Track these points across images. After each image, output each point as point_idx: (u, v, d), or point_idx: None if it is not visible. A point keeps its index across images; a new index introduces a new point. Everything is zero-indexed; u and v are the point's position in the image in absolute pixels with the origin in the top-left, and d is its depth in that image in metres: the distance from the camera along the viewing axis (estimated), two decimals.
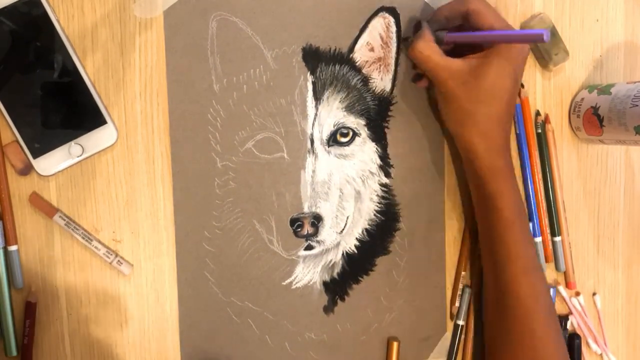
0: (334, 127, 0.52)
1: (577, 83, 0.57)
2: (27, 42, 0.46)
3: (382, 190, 0.54)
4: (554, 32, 0.55)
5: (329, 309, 0.54)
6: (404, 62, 0.53)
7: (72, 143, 0.47)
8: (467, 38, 0.49)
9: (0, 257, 0.47)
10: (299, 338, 0.53)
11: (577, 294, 0.58)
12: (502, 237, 0.48)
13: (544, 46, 0.54)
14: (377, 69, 0.53)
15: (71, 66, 0.47)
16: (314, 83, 0.51)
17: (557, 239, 0.57)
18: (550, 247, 0.57)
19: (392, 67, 0.53)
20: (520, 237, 0.49)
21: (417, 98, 0.54)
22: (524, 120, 0.55)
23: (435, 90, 0.51)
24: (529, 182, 0.56)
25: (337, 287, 0.54)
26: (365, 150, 0.53)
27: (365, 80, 0.53)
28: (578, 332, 0.59)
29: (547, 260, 0.57)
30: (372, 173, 0.53)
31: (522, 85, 0.56)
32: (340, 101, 0.52)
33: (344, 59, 0.52)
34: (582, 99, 0.55)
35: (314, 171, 0.52)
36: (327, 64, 0.52)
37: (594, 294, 0.59)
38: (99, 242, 0.49)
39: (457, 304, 0.55)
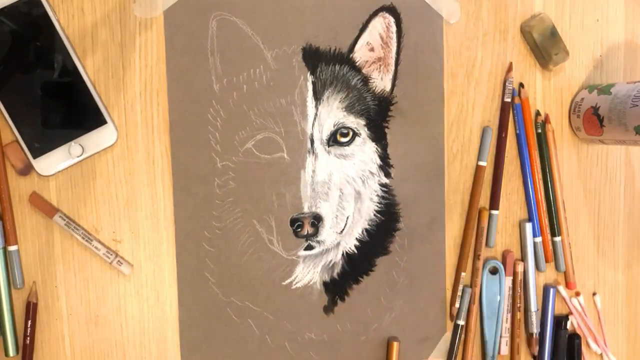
0: (334, 127, 0.52)
1: (577, 83, 0.57)
2: (27, 42, 0.46)
3: (382, 190, 0.54)
4: (554, 32, 0.55)
5: (329, 309, 0.54)
6: (404, 62, 0.53)
7: (72, 143, 0.47)
8: None
9: (0, 257, 0.47)
10: (299, 338, 0.53)
11: (577, 294, 0.58)
12: None
13: (543, 46, 0.55)
14: (377, 69, 0.53)
15: (71, 66, 0.47)
16: (314, 83, 0.51)
17: (557, 239, 0.57)
18: (550, 247, 0.57)
19: (392, 67, 0.53)
20: None
21: (417, 98, 0.54)
22: (524, 121, 0.56)
23: None
24: (529, 182, 0.56)
25: (337, 287, 0.54)
26: (365, 150, 0.53)
27: (365, 80, 0.53)
28: (578, 332, 0.59)
29: (547, 260, 0.57)
30: (372, 173, 0.53)
31: (522, 85, 0.56)
32: (340, 101, 0.52)
33: (344, 59, 0.52)
34: (582, 99, 0.56)
35: (314, 171, 0.52)
36: (327, 64, 0.52)
37: (594, 294, 0.59)
38: (99, 242, 0.49)
39: (457, 304, 0.55)
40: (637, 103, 0.49)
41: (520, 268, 0.56)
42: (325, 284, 0.53)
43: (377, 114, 0.53)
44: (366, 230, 0.54)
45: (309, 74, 0.51)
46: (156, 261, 0.50)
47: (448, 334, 0.56)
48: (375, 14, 0.52)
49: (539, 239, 0.57)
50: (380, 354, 0.55)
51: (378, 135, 0.53)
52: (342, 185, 0.53)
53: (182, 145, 0.50)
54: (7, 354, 0.48)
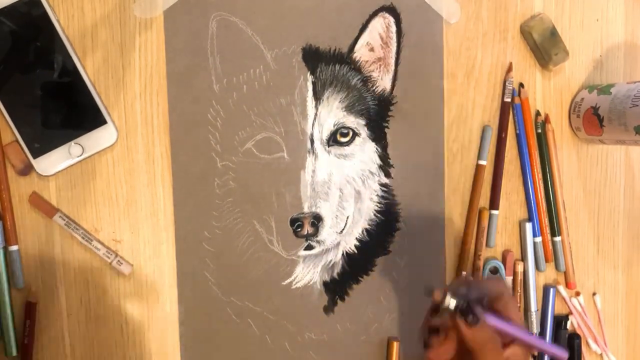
0: (334, 127, 0.52)
1: (577, 83, 0.57)
2: (27, 42, 0.46)
3: (382, 190, 0.54)
4: (553, 32, 0.55)
5: (329, 309, 0.54)
6: (404, 62, 0.53)
7: (72, 143, 0.47)
8: (508, 329, 0.40)
9: (1, 257, 0.47)
10: (299, 338, 0.53)
11: (577, 294, 0.58)
12: None
13: (543, 46, 0.55)
14: (377, 69, 0.53)
15: (71, 66, 0.47)
16: (314, 83, 0.51)
17: (557, 239, 0.57)
18: (550, 247, 0.57)
19: (392, 67, 0.53)
20: None
21: (417, 98, 0.54)
22: (524, 121, 0.55)
23: None
24: (529, 182, 0.56)
25: (337, 287, 0.54)
26: (365, 150, 0.53)
27: (365, 80, 0.53)
28: (578, 332, 0.59)
29: (547, 260, 0.57)
30: (372, 173, 0.53)
31: (522, 85, 0.56)
32: (340, 101, 0.52)
33: (344, 59, 0.52)
34: (582, 99, 0.55)
35: (314, 171, 0.52)
36: (327, 64, 0.52)
37: (594, 294, 0.59)
38: (99, 242, 0.49)
39: None
40: (637, 103, 0.49)
41: (520, 268, 0.56)
42: (325, 283, 0.53)
43: (377, 114, 0.53)
44: (366, 230, 0.54)
45: (309, 74, 0.51)
46: (156, 261, 0.50)
47: None
48: (375, 14, 0.52)
49: (539, 239, 0.57)
50: (380, 354, 0.55)
51: (378, 135, 0.53)
52: (342, 185, 0.53)
53: (182, 145, 0.50)
54: (7, 354, 0.47)
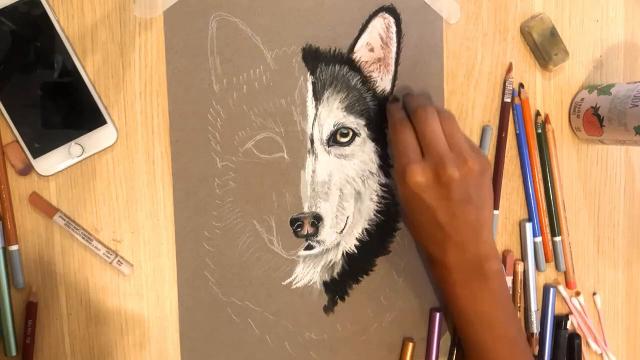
0: (333, 127, 0.52)
1: (577, 83, 0.57)
2: (27, 42, 0.46)
3: (382, 190, 0.54)
4: (553, 32, 0.55)
5: (329, 309, 0.54)
6: (404, 62, 0.53)
7: (72, 143, 0.47)
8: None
9: (1, 257, 0.47)
10: (299, 338, 0.53)
11: (577, 293, 0.58)
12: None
13: (543, 46, 0.55)
14: (377, 69, 0.53)
15: (71, 66, 0.47)
16: (314, 83, 0.51)
17: (557, 239, 0.57)
18: (550, 247, 0.57)
19: (392, 67, 0.53)
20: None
21: None
22: (524, 121, 0.56)
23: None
24: (529, 182, 0.56)
25: (337, 287, 0.54)
26: (365, 150, 0.53)
27: (365, 80, 0.53)
28: (578, 332, 0.59)
29: (547, 260, 0.57)
30: (372, 173, 0.53)
31: (522, 85, 0.56)
32: (340, 101, 0.52)
33: (344, 59, 0.52)
34: (582, 99, 0.56)
35: (314, 171, 0.52)
36: (327, 64, 0.52)
37: (594, 293, 0.59)
38: (99, 242, 0.49)
39: None
40: (637, 103, 0.49)
41: (520, 268, 0.56)
42: (325, 283, 0.53)
43: (377, 114, 0.53)
44: (366, 230, 0.54)
45: (309, 74, 0.51)
46: (156, 261, 0.50)
47: (448, 334, 0.56)
48: (375, 14, 0.52)
49: (539, 239, 0.57)
50: (380, 354, 0.55)
51: (378, 135, 0.53)
52: (342, 185, 0.53)
53: (182, 145, 0.50)
54: (7, 354, 0.47)
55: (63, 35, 0.46)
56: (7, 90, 0.46)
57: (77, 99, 0.47)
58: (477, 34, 0.55)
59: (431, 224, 0.47)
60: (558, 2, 0.56)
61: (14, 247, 0.47)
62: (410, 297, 0.55)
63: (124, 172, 0.49)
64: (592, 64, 0.58)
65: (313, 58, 0.51)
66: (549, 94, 0.57)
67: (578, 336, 0.58)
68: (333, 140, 0.52)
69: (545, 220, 0.57)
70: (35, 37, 0.46)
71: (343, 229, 0.53)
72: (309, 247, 0.52)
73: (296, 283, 0.53)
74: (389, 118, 0.51)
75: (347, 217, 0.53)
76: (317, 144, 0.52)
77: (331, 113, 0.52)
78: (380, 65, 0.53)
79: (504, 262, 0.56)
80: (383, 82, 0.53)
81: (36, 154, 0.47)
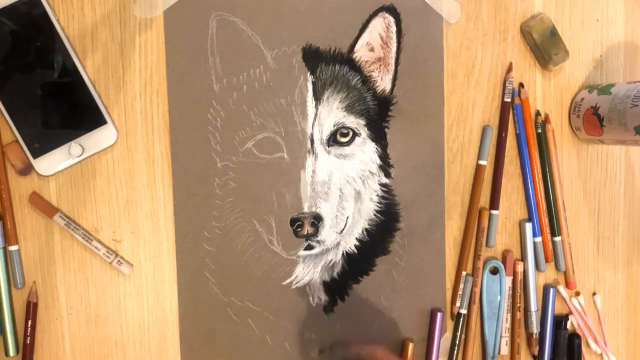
0: (334, 127, 0.52)
1: (577, 83, 0.57)
2: (27, 42, 0.46)
3: (382, 190, 0.54)
4: (553, 32, 0.55)
5: (329, 309, 0.54)
6: (404, 62, 0.53)
7: (72, 143, 0.47)
8: None
9: (1, 257, 0.47)
10: (299, 338, 0.53)
11: (577, 294, 0.58)
12: None
13: (543, 46, 0.55)
14: (377, 69, 0.53)
15: (71, 66, 0.47)
16: (314, 83, 0.51)
17: (557, 239, 0.57)
18: (550, 247, 0.57)
19: (392, 67, 0.53)
20: None
21: (417, 98, 0.54)
22: (524, 121, 0.56)
23: None
24: (529, 182, 0.56)
25: (337, 287, 0.54)
26: (365, 150, 0.53)
27: (365, 80, 0.53)
28: (578, 332, 0.59)
29: (547, 260, 0.57)
30: (372, 173, 0.53)
31: (522, 85, 0.56)
32: (340, 101, 0.52)
33: (344, 59, 0.52)
34: (582, 99, 0.56)
35: (314, 171, 0.52)
36: (327, 64, 0.52)
37: (594, 294, 0.59)
38: (99, 242, 0.49)
39: (457, 304, 0.55)
40: (637, 103, 0.49)
41: (520, 268, 0.56)
42: (325, 283, 0.53)
43: (377, 114, 0.53)
44: (366, 230, 0.54)
45: (309, 74, 0.51)
46: (156, 261, 0.50)
47: (448, 334, 0.56)
48: (375, 14, 0.52)
49: (539, 239, 0.57)
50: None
51: (378, 135, 0.53)
52: (342, 185, 0.53)
53: (182, 145, 0.50)
54: (7, 354, 0.48)
55: (63, 35, 0.46)
56: (7, 90, 0.46)
57: (77, 99, 0.47)
58: (477, 33, 0.55)
59: None
60: (558, 2, 0.56)
61: (14, 247, 0.47)
62: (410, 297, 0.55)
63: (124, 172, 0.49)
64: (592, 64, 0.58)
65: (313, 58, 0.51)
66: (549, 94, 0.57)
67: (578, 336, 0.58)
68: (333, 140, 0.52)
69: (545, 220, 0.57)
70: (36, 37, 0.46)
71: (343, 229, 0.53)
72: (309, 247, 0.52)
73: (296, 283, 0.53)
74: None
75: (347, 217, 0.53)
76: (317, 143, 0.52)
77: (331, 113, 0.52)
78: (380, 65, 0.53)
79: (504, 262, 0.56)
80: (383, 82, 0.53)
81: (36, 154, 0.47)
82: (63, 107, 0.47)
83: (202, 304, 0.51)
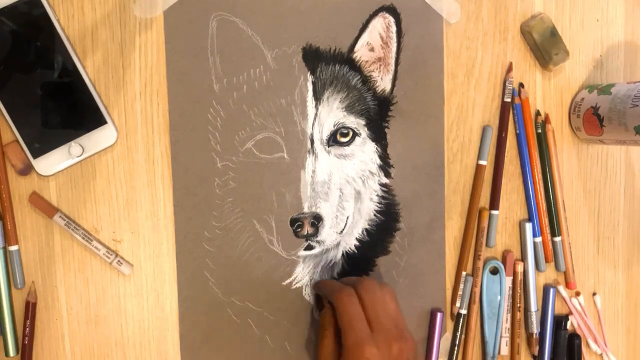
0: (334, 127, 0.52)
1: (577, 83, 0.57)
2: (27, 42, 0.46)
3: (382, 190, 0.54)
4: (554, 32, 0.55)
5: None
6: (404, 62, 0.53)
7: (72, 143, 0.47)
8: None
9: (1, 257, 0.47)
10: (299, 338, 0.53)
11: (577, 294, 0.58)
12: None
13: (544, 46, 0.55)
14: (377, 69, 0.53)
15: (71, 66, 0.47)
16: (314, 83, 0.51)
17: (557, 239, 0.57)
18: (550, 247, 0.57)
19: (392, 67, 0.53)
20: None
21: (417, 98, 0.54)
22: (524, 120, 0.55)
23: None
24: (529, 182, 0.56)
25: None
26: (365, 150, 0.53)
27: (365, 80, 0.53)
28: (578, 332, 0.59)
29: (547, 261, 0.57)
30: (372, 173, 0.53)
31: (522, 85, 0.56)
32: (340, 101, 0.52)
33: (344, 59, 0.52)
34: (582, 99, 0.56)
35: (314, 171, 0.52)
36: (327, 64, 0.52)
37: (594, 294, 0.59)
38: (99, 242, 0.49)
39: (457, 304, 0.55)
40: (637, 103, 0.49)
41: (520, 268, 0.56)
42: None
43: (377, 114, 0.53)
44: (366, 230, 0.54)
45: (309, 74, 0.51)
46: (156, 261, 0.50)
47: (448, 334, 0.56)
48: (375, 14, 0.52)
49: (539, 239, 0.57)
50: None
51: (378, 135, 0.53)
52: (342, 185, 0.53)
53: (182, 145, 0.50)
54: (7, 354, 0.47)
55: (63, 35, 0.46)
56: (7, 90, 0.46)
57: (77, 98, 0.47)
58: (477, 33, 0.55)
59: None
60: (558, 2, 0.56)
61: (14, 247, 0.47)
62: (410, 297, 0.55)
63: (124, 172, 0.49)
64: (592, 64, 0.58)
65: (313, 58, 0.51)
66: (549, 94, 0.57)
67: (578, 336, 0.58)
68: (333, 140, 0.52)
69: (545, 220, 0.57)
70: (36, 37, 0.46)
71: (343, 229, 0.53)
72: (309, 247, 0.52)
73: (296, 283, 0.53)
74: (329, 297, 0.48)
75: (347, 217, 0.53)
76: (317, 143, 0.52)
77: (331, 113, 0.52)
78: (380, 65, 0.53)
79: (504, 262, 0.56)
80: (383, 82, 0.53)
81: (36, 154, 0.46)
82: (63, 107, 0.47)
83: (202, 304, 0.51)
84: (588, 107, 0.54)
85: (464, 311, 0.55)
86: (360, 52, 0.52)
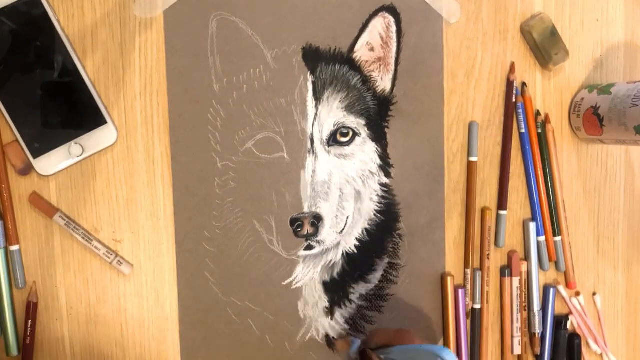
0: (334, 127, 0.52)
1: (577, 83, 0.57)
2: (27, 42, 0.46)
3: (382, 190, 0.54)
4: (554, 32, 0.55)
5: (328, 309, 0.54)
6: (404, 62, 0.53)
7: (72, 143, 0.47)
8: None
9: (2, 257, 0.47)
10: (298, 338, 0.53)
11: (577, 294, 0.58)
12: None
13: (544, 46, 0.55)
14: (377, 69, 0.53)
15: (71, 66, 0.47)
16: (314, 83, 0.51)
17: (557, 239, 0.57)
18: (553, 246, 0.57)
19: (392, 67, 0.53)
20: None
21: (417, 98, 0.54)
22: (527, 120, 0.55)
23: None
24: (532, 181, 0.56)
25: (337, 287, 0.54)
26: (365, 150, 0.53)
27: (365, 80, 0.53)
28: (578, 332, 0.59)
29: (550, 259, 0.57)
30: (372, 173, 0.53)
31: (525, 84, 0.56)
32: (340, 101, 0.52)
33: (344, 58, 0.52)
34: (582, 98, 0.55)
35: (314, 171, 0.52)
36: (327, 64, 0.52)
37: (594, 294, 0.59)
38: (99, 242, 0.49)
39: (468, 299, 0.55)
40: (637, 103, 0.49)
41: (524, 268, 0.56)
42: (325, 283, 0.53)
43: (377, 114, 0.53)
44: (366, 230, 0.54)
45: (309, 74, 0.51)
46: (156, 261, 0.50)
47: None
48: (375, 14, 0.52)
49: (542, 238, 0.56)
50: None
51: (378, 135, 0.53)
52: (342, 185, 0.53)
53: (182, 145, 0.50)
54: (8, 354, 0.48)
55: (63, 35, 0.46)
56: (7, 90, 0.46)
57: (77, 98, 0.47)
58: (477, 33, 0.55)
59: None
60: (558, 2, 0.56)
61: (15, 248, 0.47)
62: (410, 297, 0.55)
63: (124, 172, 0.49)
64: (592, 64, 0.58)
65: (313, 58, 0.51)
66: (549, 94, 0.57)
67: (578, 336, 0.58)
68: (333, 140, 0.52)
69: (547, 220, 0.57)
70: (36, 37, 0.46)
71: (343, 229, 0.53)
72: (309, 247, 0.52)
73: (296, 283, 0.53)
74: None
75: (347, 217, 0.53)
76: (317, 143, 0.52)
77: (331, 113, 0.52)
78: (380, 65, 0.53)
79: (509, 263, 0.56)
80: (383, 82, 0.53)
81: (36, 153, 0.47)
82: (63, 107, 0.47)
83: (202, 304, 0.51)
84: (588, 107, 0.54)
85: (478, 306, 0.55)
86: (360, 52, 0.52)
